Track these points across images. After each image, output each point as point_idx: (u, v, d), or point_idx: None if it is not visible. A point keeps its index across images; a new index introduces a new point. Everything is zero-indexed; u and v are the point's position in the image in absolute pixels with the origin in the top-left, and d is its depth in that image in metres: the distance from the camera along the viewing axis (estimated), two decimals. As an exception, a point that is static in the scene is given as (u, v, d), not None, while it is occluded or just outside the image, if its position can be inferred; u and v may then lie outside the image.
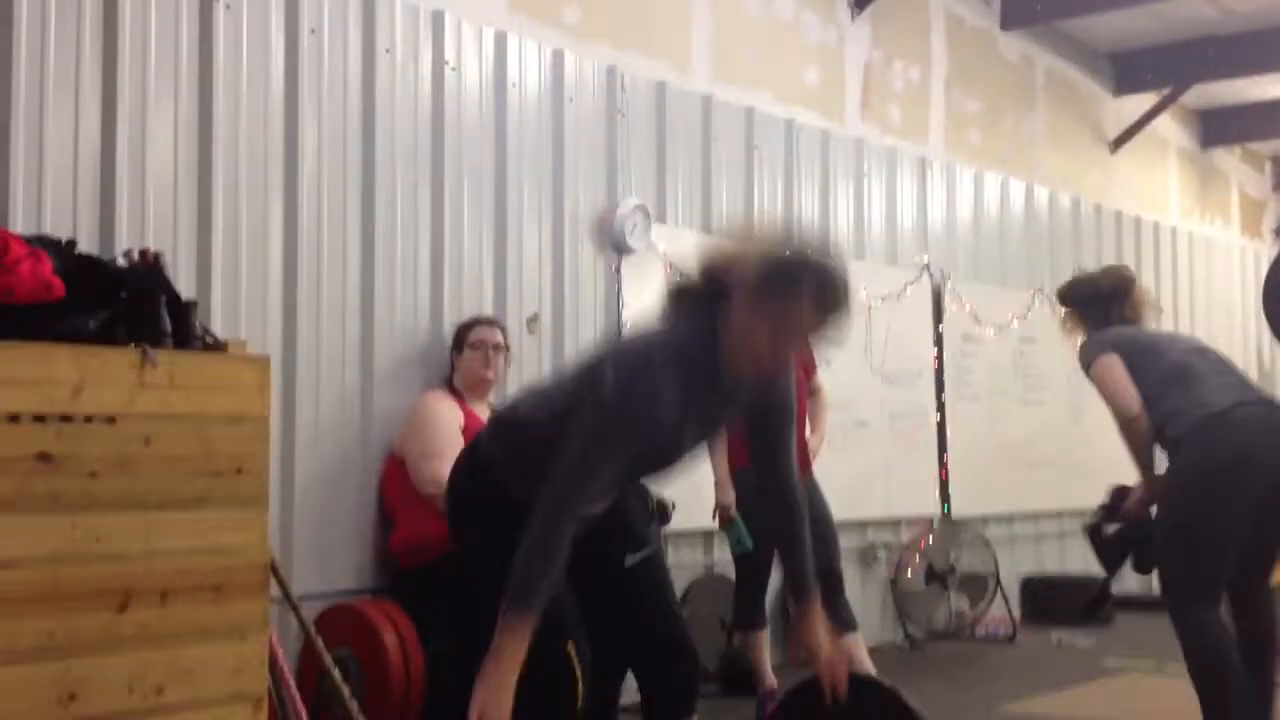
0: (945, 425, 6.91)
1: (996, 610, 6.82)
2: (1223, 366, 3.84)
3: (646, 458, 2.42)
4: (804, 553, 2.63)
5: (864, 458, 6.21)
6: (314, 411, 4.23)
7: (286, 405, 4.11)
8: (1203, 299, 9.34)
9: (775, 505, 2.65)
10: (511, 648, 2.16)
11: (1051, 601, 7.19)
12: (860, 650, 4.64)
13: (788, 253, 2.40)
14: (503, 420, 2.67)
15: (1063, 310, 4.18)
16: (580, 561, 2.35)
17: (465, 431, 4.26)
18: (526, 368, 4.80)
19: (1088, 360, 3.85)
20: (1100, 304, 3.98)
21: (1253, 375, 9.93)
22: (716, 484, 4.74)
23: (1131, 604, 6.98)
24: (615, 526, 2.62)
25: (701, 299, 2.43)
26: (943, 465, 6.89)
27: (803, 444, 4.84)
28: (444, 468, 4.13)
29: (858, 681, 2.71)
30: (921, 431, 6.78)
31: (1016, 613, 7.00)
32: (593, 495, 2.30)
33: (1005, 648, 6.58)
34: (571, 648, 2.40)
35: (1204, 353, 3.88)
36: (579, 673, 2.42)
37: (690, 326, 2.42)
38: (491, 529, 2.49)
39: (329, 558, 4.24)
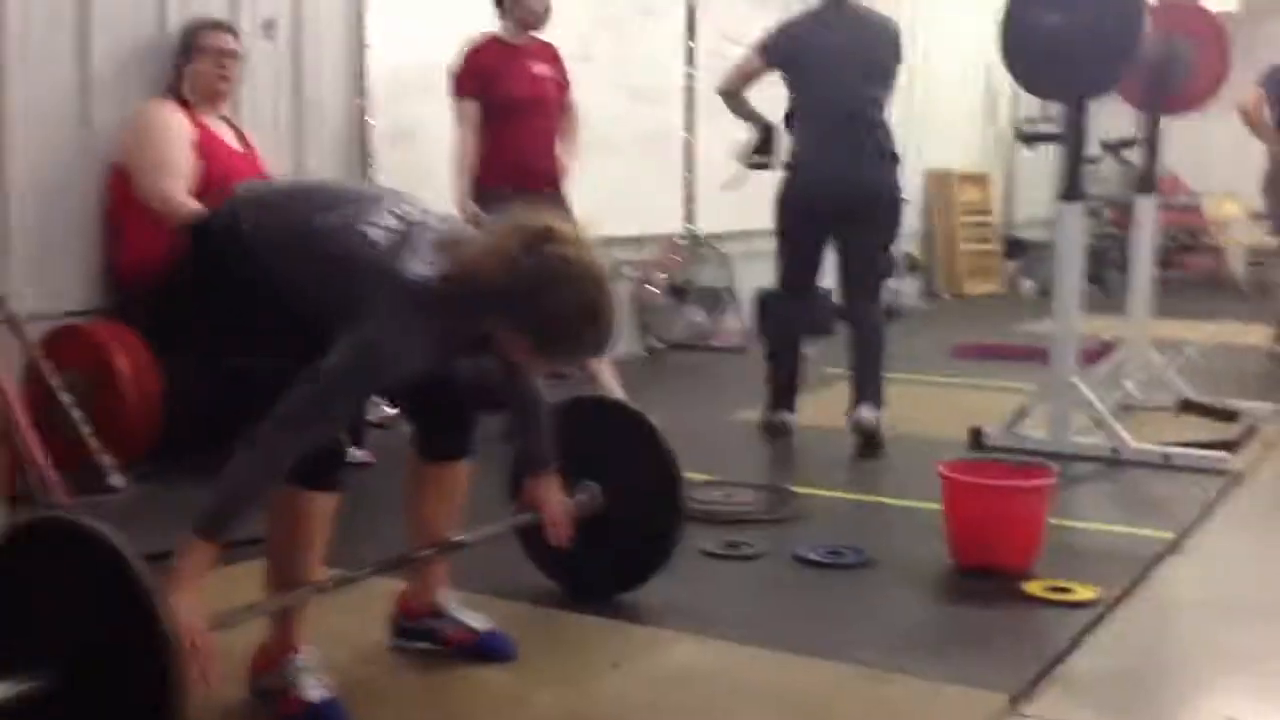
0: (693, 144, 6.99)
1: (730, 322, 7.14)
2: None
3: None
4: (542, 435, 2.70)
5: (611, 175, 6.23)
6: (24, 114, 3.90)
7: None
8: (936, 10, 9.55)
9: (518, 403, 2.67)
10: (193, 571, 2.06)
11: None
12: (607, 374, 4.81)
13: (540, 279, 2.14)
14: (265, 205, 2.44)
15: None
16: None
17: (197, 147, 4.04)
18: (262, 76, 4.54)
19: None
20: None
21: (978, 95, 10.48)
22: (458, 199, 4.72)
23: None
24: None
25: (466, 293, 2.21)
26: (688, 183, 7.01)
27: (554, 159, 4.83)
28: (174, 183, 3.97)
29: (609, 404, 2.84)
30: (669, 150, 6.85)
31: (748, 325, 7.35)
32: (319, 439, 2.22)
33: (737, 357, 6.92)
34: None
35: None
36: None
37: (460, 307, 2.21)
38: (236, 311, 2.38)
39: (49, 276, 4.02)
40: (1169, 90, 5.25)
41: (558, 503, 2.77)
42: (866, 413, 4.55)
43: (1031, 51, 4.28)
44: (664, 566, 2.96)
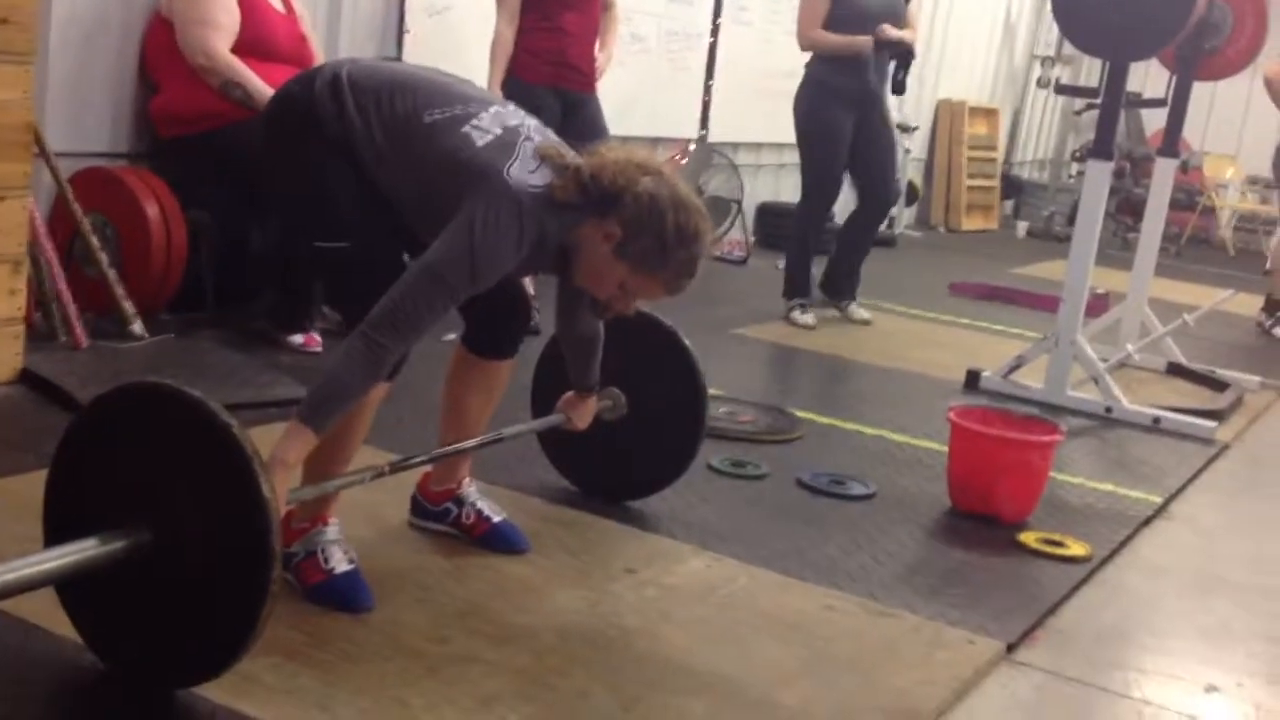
0: (716, 49, 6.94)
1: (735, 234, 7.17)
2: None
3: None
4: (597, 363, 2.77)
5: (636, 76, 6.20)
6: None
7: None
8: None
9: (578, 340, 2.74)
10: (293, 455, 2.12)
11: (782, 229, 7.58)
12: None
13: (655, 205, 2.26)
14: (349, 90, 2.43)
15: None
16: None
17: (242, 3, 3.99)
18: (308, -65, 4.47)
19: None
20: None
21: (998, 28, 10.39)
22: (489, 88, 4.68)
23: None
24: None
25: (573, 201, 2.29)
26: (708, 89, 6.97)
27: (592, 60, 4.79)
28: (217, 38, 3.94)
29: (643, 317, 2.90)
30: (693, 53, 6.79)
31: (751, 238, 7.37)
32: (418, 339, 2.25)
33: (738, 269, 6.98)
34: None
35: None
36: None
37: (560, 218, 2.29)
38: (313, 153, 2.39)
39: (82, 116, 3.99)
40: (1205, 54, 5.27)
41: (589, 416, 2.86)
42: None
43: (1085, 7, 4.27)
44: (678, 478, 3.05)
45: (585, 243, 2.35)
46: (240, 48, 3.96)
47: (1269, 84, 6.49)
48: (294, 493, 2.21)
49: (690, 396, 2.98)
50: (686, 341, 2.97)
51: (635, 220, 2.28)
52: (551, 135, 2.47)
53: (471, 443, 2.66)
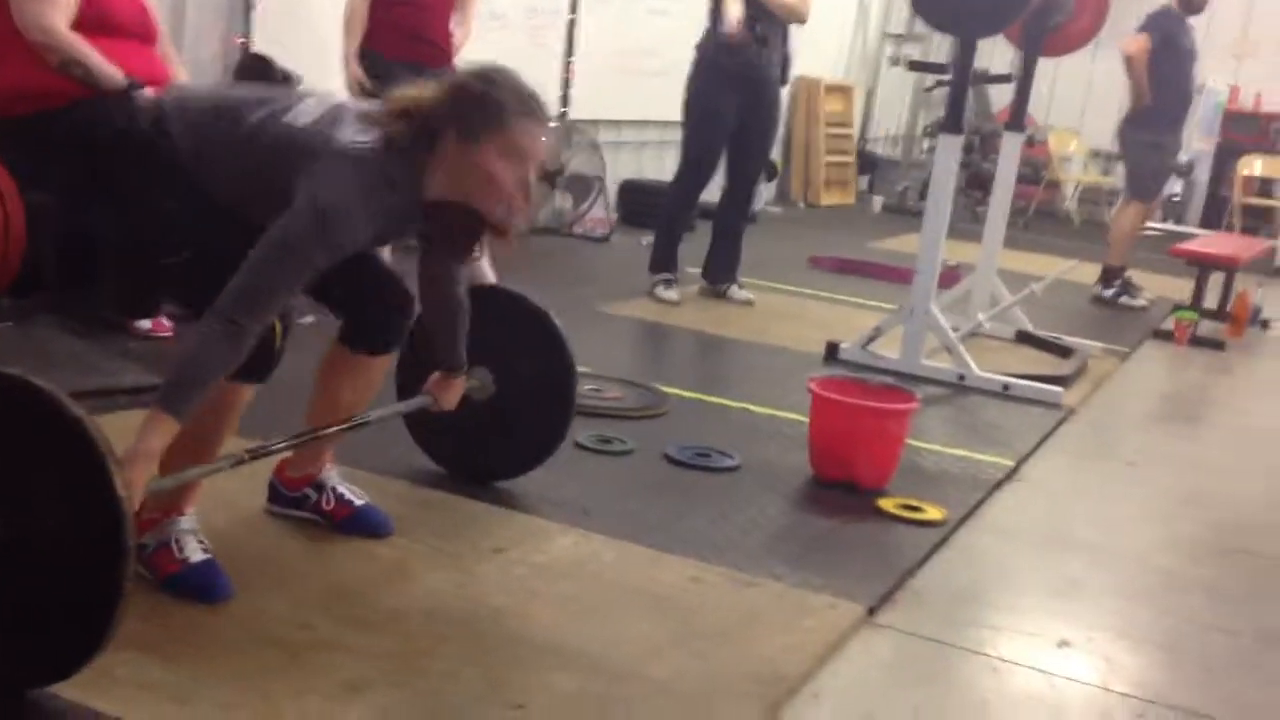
0: (576, 26, 6.92)
1: (597, 211, 7.17)
2: None
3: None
4: (460, 339, 2.74)
5: (494, 52, 6.09)
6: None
7: None
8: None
9: (441, 307, 2.69)
10: (154, 445, 2.06)
11: (645, 206, 7.61)
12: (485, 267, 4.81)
13: (475, 84, 2.32)
14: (189, 120, 2.41)
15: None
16: None
17: (80, -26, 3.84)
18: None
19: None
20: None
21: (852, 6, 10.58)
22: (345, 59, 4.63)
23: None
24: None
25: (412, 128, 2.30)
26: (568, 66, 6.95)
27: (449, 35, 4.74)
28: (55, 14, 3.79)
29: (512, 295, 2.90)
30: (553, 30, 6.76)
31: (613, 215, 7.38)
32: (274, 314, 2.21)
33: (600, 246, 6.98)
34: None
35: None
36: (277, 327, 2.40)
37: (399, 159, 2.28)
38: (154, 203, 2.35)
39: (-90, 96, 3.80)
40: (1049, 31, 5.44)
41: (456, 397, 2.84)
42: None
43: (932, -15, 4.38)
44: (549, 457, 3.05)
45: (445, 167, 2.33)
46: (81, 24, 3.81)
47: (1130, 62, 6.66)
48: (153, 483, 2.15)
49: (559, 374, 2.97)
50: (555, 319, 2.96)
51: (466, 107, 2.30)
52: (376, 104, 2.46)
53: (334, 429, 2.61)
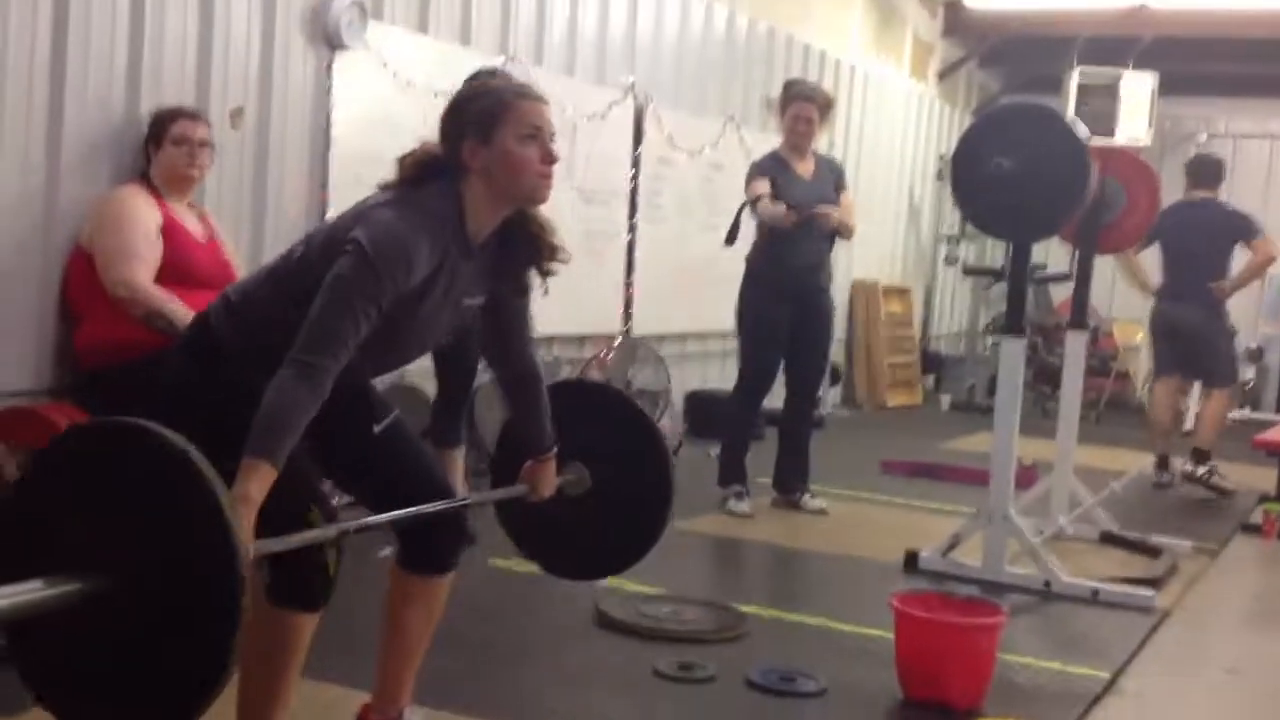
0: (634, 245, 7.10)
1: (665, 423, 7.20)
2: None
3: (396, 335, 2.41)
4: (544, 415, 2.77)
5: (559, 276, 6.28)
6: (-10, 193, 3.87)
7: (-42, 185, 3.74)
8: (870, 136, 9.88)
9: (517, 381, 2.75)
10: (254, 492, 2.10)
11: (711, 416, 7.63)
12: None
13: (466, 90, 2.49)
14: (235, 298, 2.52)
15: None
16: (329, 435, 2.35)
17: (164, 232, 4.03)
18: (228, 164, 4.55)
19: None
20: None
21: (903, 211, 10.81)
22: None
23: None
24: (357, 396, 2.58)
25: (431, 169, 2.45)
26: (629, 285, 7.11)
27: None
28: (139, 269, 3.95)
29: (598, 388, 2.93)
30: (611, 251, 6.94)
31: (681, 427, 7.41)
32: (345, 355, 2.26)
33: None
34: (315, 514, 2.37)
35: None
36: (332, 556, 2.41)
37: (431, 190, 2.42)
38: (216, 419, 2.40)
39: (3, 355, 3.95)
40: (1101, 229, 5.49)
41: (551, 482, 2.83)
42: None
43: (983, 192, 4.43)
44: (647, 553, 3.01)
45: (475, 174, 2.42)
46: (163, 277, 3.97)
47: (1123, 261, 6.84)
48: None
49: (656, 467, 2.97)
50: (649, 417, 3.03)
51: (468, 114, 2.42)
52: None
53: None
